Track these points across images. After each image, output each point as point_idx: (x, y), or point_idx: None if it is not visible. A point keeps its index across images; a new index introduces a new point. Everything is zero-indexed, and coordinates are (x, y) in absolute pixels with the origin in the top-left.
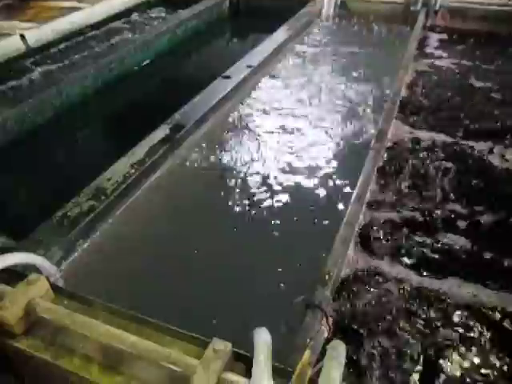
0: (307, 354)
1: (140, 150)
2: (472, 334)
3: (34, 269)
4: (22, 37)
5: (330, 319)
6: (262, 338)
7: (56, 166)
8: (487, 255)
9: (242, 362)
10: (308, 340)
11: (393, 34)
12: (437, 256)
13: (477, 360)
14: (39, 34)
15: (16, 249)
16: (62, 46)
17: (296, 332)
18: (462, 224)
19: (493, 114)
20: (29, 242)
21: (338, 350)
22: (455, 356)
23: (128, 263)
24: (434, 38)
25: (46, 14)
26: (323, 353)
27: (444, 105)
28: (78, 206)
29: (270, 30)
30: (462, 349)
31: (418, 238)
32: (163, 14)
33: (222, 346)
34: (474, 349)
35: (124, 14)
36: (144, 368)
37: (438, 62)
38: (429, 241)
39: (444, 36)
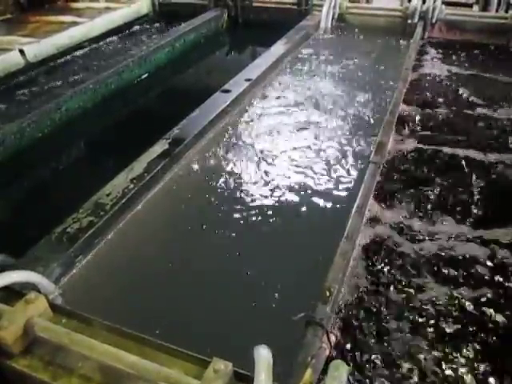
0: (308, 373)
1: (139, 165)
2: None
3: (33, 286)
4: (21, 52)
5: (332, 336)
6: (263, 356)
7: (56, 181)
8: None
9: (243, 381)
10: (309, 358)
11: (391, 47)
12: None
13: None
14: (39, 48)
15: (15, 266)
16: (61, 60)
17: (297, 350)
18: None
19: (490, 125)
20: (28, 259)
21: (340, 370)
22: None
23: (127, 279)
24: (431, 50)
25: (45, 29)
26: (325, 371)
27: (443, 116)
28: (77, 222)
29: (269, 43)
30: None
31: None
32: (162, 28)
33: (222, 366)
34: None
35: (123, 28)
36: None
37: (436, 74)
38: None
39: (441, 48)
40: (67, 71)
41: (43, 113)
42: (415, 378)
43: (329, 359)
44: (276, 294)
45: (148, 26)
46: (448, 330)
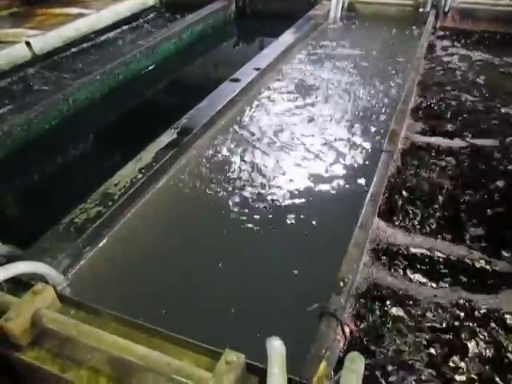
0: (323, 365)
1: (147, 155)
2: None
3: (41, 277)
4: (28, 44)
5: (346, 328)
6: (276, 349)
7: (64, 172)
8: None
9: (256, 374)
10: (323, 351)
11: (402, 36)
12: None
13: None
14: (45, 40)
15: (22, 257)
16: (68, 52)
17: (311, 342)
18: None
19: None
20: (35, 250)
21: (357, 362)
22: None
23: (136, 270)
24: (443, 39)
25: (51, 21)
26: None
27: (455, 106)
28: (84, 212)
29: (277, 33)
30: None
31: None
32: (169, 19)
33: (234, 358)
34: None
35: (130, 19)
36: (154, 381)
37: (448, 63)
38: None
39: (454, 37)
40: (74, 63)
41: (51, 104)
42: None
43: (343, 351)
44: (289, 284)
45: (155, 17)
46: None
